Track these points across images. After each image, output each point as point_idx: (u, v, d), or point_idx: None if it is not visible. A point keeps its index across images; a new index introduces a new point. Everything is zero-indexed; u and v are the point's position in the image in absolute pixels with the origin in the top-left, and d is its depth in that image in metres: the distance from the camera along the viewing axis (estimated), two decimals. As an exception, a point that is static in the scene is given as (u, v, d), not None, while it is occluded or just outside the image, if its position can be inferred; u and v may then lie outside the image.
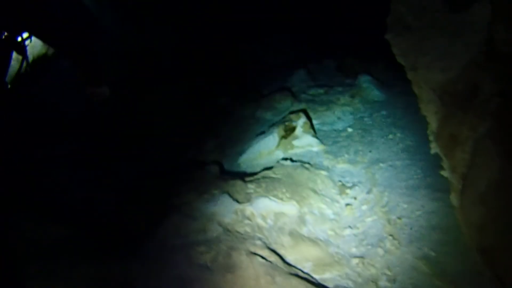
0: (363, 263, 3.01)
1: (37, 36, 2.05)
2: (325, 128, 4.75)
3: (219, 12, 7.18)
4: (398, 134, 4.22)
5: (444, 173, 2.80)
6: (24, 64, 2.34)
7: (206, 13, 7.07)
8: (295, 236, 3.35)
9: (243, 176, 3.97)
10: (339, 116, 4.87)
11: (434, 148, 2.93)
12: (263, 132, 4.65)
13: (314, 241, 3.33)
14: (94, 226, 3.42)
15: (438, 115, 2.54)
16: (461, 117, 2.36)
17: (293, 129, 4.53)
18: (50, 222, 3.34)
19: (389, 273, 2.85)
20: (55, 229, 3.17)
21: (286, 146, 4.44)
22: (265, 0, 7.53)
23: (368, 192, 3.69)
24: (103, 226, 3.37)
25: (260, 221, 3.41)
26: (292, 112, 4.73)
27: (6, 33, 2.02)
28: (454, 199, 2.56)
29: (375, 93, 4.96)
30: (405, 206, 3.28)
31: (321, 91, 5.48)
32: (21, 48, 2.17)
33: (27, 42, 2.23)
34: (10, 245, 2.47)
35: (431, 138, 3.01)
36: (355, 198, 3.70)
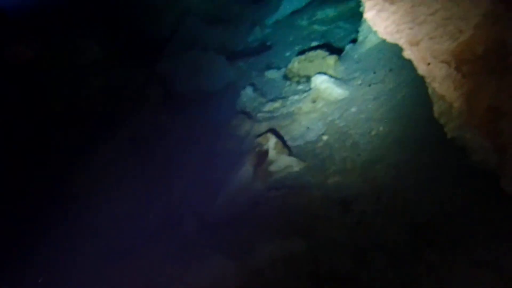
0: None
1: None
2: (297, 143, 4.20)
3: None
4: (381, 128, 3.78)
5: (476, 157, 2.35)
6: None
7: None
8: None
9: (230, 223, 3.29)
10: (307, 126, 4.35)
11: (452, 131, 2.47)
12: (232, 166, 4.00)
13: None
14: None
15: (461, 90, 2.07)
16: (497, 84, 1.90)
17: (265, 153, 3.94)
18: None
19: None
20: None
21: (263, 174, 3.82)
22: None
23: (376, 201, 3.17)
24: None
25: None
26: (258, 136, 4.14)
27: None
28: (507, 185, 2.09)
29: (337, 92, 4.52)
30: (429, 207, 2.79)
31: (276, 105, 4.96)
32: None
33: None
34: None
35: (442, 120, 2.56)
36: (364, 212, 3.16)
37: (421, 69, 2.24)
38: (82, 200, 4.04)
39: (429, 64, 2.16)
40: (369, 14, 2.31)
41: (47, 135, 4.61)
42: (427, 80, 2.26)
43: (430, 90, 2.58)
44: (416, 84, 3.53)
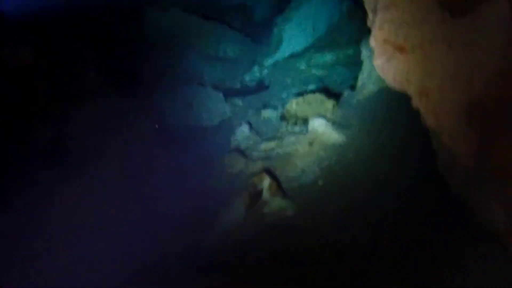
0: None
1: None
2: (292, 185, 4.09)
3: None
4: (379, 177, 3.68)
5: (481, 217, 2.25)
6: None
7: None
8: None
9: (218, 267, 3.10)
10: (303, 169, 4.26)
11: (457, 187, 2.38)
12: (223, 205, 3.85)
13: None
14: None
15: (471, 146, 2.00)
16: (508, 143, 1.84)
17: (258, 194, 3.81)
18: None
19: None
20: None
21: (256, 216, 3.68)
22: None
23: (373, 251, 3.02)
24: None
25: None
26: (252, 175, 4.02)
27: None
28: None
29: (334, 137, 4.47)
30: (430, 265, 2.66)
31: (272, 144, 4.88)
32: None
33: None
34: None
35: (447, 175, 2.48)
36: (360, 263, 3.00)
37: (429, 120, 2.18)
38: (66, 234, 3.82)
39: (438, 115, 2.10)
40: (378, 62, 2.27)
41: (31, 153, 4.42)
42: (435, 132, 2.20)
43: (435, 143, 2.52)
44: (418, 135, 3.46)
